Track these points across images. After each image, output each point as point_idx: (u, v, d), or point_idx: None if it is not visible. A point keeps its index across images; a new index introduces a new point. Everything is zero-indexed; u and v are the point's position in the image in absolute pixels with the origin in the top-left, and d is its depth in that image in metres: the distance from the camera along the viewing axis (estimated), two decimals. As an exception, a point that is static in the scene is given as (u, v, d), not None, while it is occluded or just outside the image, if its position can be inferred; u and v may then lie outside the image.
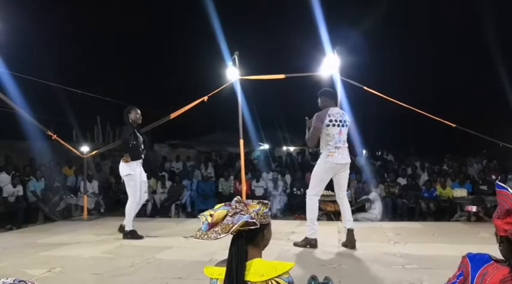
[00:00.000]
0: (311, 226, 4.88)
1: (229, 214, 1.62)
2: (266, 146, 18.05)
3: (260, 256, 1.72)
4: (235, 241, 1.66)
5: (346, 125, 4.85)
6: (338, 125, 4.76)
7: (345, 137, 4.84)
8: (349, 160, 4.88)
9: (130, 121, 5.75)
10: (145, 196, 5.99)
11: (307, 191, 4.99)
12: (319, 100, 4.98)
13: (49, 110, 11.90)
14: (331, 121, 4.73)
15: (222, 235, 1.58)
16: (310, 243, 4.84)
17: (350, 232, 4.84)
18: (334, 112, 4.80)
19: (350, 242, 4.81)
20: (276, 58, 16.07)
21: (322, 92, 4.99)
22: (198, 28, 15.65)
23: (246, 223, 1.59)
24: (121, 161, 5.71)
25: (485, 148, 12.89)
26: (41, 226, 7.49)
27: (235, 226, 1.57)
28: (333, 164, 4.75)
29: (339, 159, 4.75)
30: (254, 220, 1.61)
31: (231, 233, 1.60)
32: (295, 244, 4.93)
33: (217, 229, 1.60)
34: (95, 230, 6.34)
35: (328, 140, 4.74)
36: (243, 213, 1.63)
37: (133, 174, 5.65)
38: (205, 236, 1.60)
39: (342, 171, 4.86)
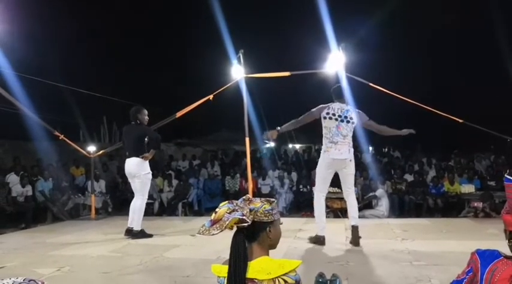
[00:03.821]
0: (318, 223, 4.96)
1: (228, 212, 1.64)
2: (272, 144, 18.03)
3: (267, 254, 1.72)
4: (233, 238, 1.68)
5: (348, 121, 4.83)
6: (336, 119, 4.79)
7: (345, 132, 4.81)
8: (347, 157, 4.82)
9: (139, 122, 5.75)
10: None
11: (314, 188, 5.05)
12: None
13: (56, 110, 11.99)
14: (328, 114, 4.80)
15: (217, 231, 1.61)
16: (318, 240, 4.90)
17: (354, 229, 4.85)
18: (335, 106, 4.86)
19: (354, 239, 4.83)
20: (281, 55, 16.05)
21: (332, 89, 5.10)
22: (203, 27, 15.66)
23: (239, 220, 1.61)
24: (137, 159, 5.60)
25: (493, 143, 12.79)
26: (49, 226, 7.55)
27: (227, 223, 1.60)
28: (330, 159, 4.79)
29: (335, 154, 4.76)
30: (244, 217, 1.62)
31: (229, 229, 1.63)
32: (309, 239, 5.02)
33: (218, 225, 1.62)
34: (102, 230, 6.38)
35: (325, 133, 4.81)
36: (239, 210, 1.65)
37: (150, 173, 5.72)
38: (206, 232, 1.62)
39: (343, 168, 4.86)
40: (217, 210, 1.68)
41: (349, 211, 4.98)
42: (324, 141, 4.83)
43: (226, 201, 1.72)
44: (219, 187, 10.64)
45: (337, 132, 4.78)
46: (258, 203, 1.71)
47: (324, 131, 4.83)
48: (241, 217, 1.62)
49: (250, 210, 1.67)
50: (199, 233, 1.64)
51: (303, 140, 18.22)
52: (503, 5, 12.72)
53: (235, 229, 1.67)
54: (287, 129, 5.06)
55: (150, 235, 5.63)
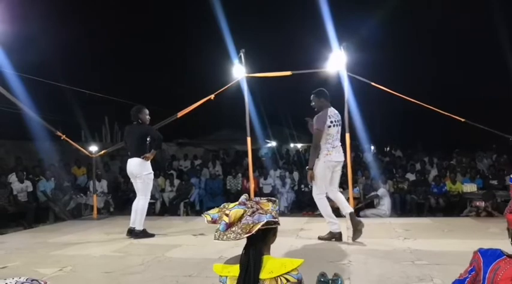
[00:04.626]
0: (331, 221, 5.03)
1: (248, 214, 1.60)
2: (273, 143, 18.03)
3: (269, 253, 1.72)
4: (252, 242, 1.64)
5: (341, 124, 5.12)
6: (336, 125, 4.97)
7: (340, 135, 5.09)
8: (343, 158, 5.13)
9: (140, 121, 5.72)
10: None
11: (313, 192, 5.13)
12: (314, 100, 5.11)
13: (57, 111, 12.01)
14: (332, 122, 4.93)
15: (244, 235, 1.55)
16: (334, 236, 5.00)
17: (352, 215, 4.97)
18: (332, 113, 5.01)
19: (355, 225, 4.89)
20: (282, 55, 16.05)
21: (320, 93, 5.13)
22: (205, 26, 15.67)
23: (267, 223, 1.59)
24: (138, 159, 5.57)
25: (495, 142, 12.76)
26: (51, 226, 7.56)
27: (259, 225, 1.55)
28: (331, 162, 4.96)
29: (336, 157, 4.99)
30: (276, 219, 1.61)
31: (254, 233, 1.58)
32: (320, 238, 5.06)
33: (234, 228, 1.57)
34: (104, 229, 6.39)
35: (328, 139, 4.93)
36: (261, 212, 1.62)
37: (152, 173, 5.68)
38: (225, 237, 1.58)
39: (337, 168, 5.08)
40: (227, 212, 1.63)
41: (340, 204, 5.08)
42: (325, 145, 4.92)
43: (236, 202, 1.70)
44: (220, 187, 10.63)
45: (337, 136, 5.00)
46: (268, 203, 1.70)
47: (327, 137, 4.91)
48: (272, 219, 1.60)
49: (275, 212, 1.65)
50: (216, 239, 1.59)
51: (304, 140, 18.20)
52: (505, 4, 12.70)
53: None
54: (314, 158, 4.98)
55: (152, 235, 5.64)
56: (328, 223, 5.05)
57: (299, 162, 12.26)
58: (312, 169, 4.96)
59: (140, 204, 5.66)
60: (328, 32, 7.28)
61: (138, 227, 5.60)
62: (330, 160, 4.91)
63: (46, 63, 12.01)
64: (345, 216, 5.16)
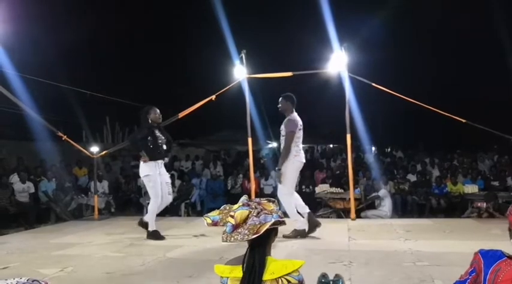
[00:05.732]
0: (297, 219, 5.25)
1: (253, 214, 1.60)
2: (274, 144, 18.02)
3: (270, 254, 1.72)
4: (257, 243, 1.64)
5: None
6: (301, 129, 5.32)
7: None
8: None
9: (150, 121, 5.62)
10: (169, 199, 5.75)
11: (280, 191, 5.35)
12: (282, 102, 5.36)
13: (59, 111, 12.02)
14: (301, 125, 5.29)
15: (252, 236, 1.55)
16: (299, 233, 5.20)
17: (310, 214, 5.30)
18: (298, 117, 5.33)
19: (313, 224, 5.22)
20: (283, 56, 16.05)
21: (289, 97, 5.38)
22: (205, 26, 15.69)
23: (274, 223, 1.59)
24: (140, 161, 5.56)
25: (496, 143, 12.75)
26: (52, 226, 7.57)
27: (267, 225, 1.55)
28: (300, 163, 5.32)
29: (302, 158, 5.34)
30: (283, 219, 1.62)
31: (263, 233, 1.58)
32: (285, 236, 5.16)
33: (240, 230, 1.57)
34: (105, 230, 6.39)
35: (297, 142, 5.27)
36: (266, 212, 1.62)
37: (151, 175, 5.46)
38: (232, 239, 1.57)
39: (300, 168, 5.43)
40: (232, 213, 1.63)
41: (299, 202, 5.34)
42: (295, 148, 5.24)
43: (240, 203, 1.69)
44: (221, 188, 10.63)
45: (301, 139, 5.35)
46: (270, 203, 1.70)
47: (296, 140, 5.25)
48: (280, 219, 1.61)
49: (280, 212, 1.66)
50: (224, 241, 1.59)
51: (305, 140, 18.16)
52: (505, 4, 12.69)
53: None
54: (284, 160, 5.26)
55: (162, 238, 5.47)
56: (294, 221, 5.23)
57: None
58: (281, 169, 5.23)
59: (149, 205, 5.66)
60: (329, 33, 7.29)
61: (150, 227, 5.51)
62: (298, 161, 5.27)
63: (47, 63, 12.02)
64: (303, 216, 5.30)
